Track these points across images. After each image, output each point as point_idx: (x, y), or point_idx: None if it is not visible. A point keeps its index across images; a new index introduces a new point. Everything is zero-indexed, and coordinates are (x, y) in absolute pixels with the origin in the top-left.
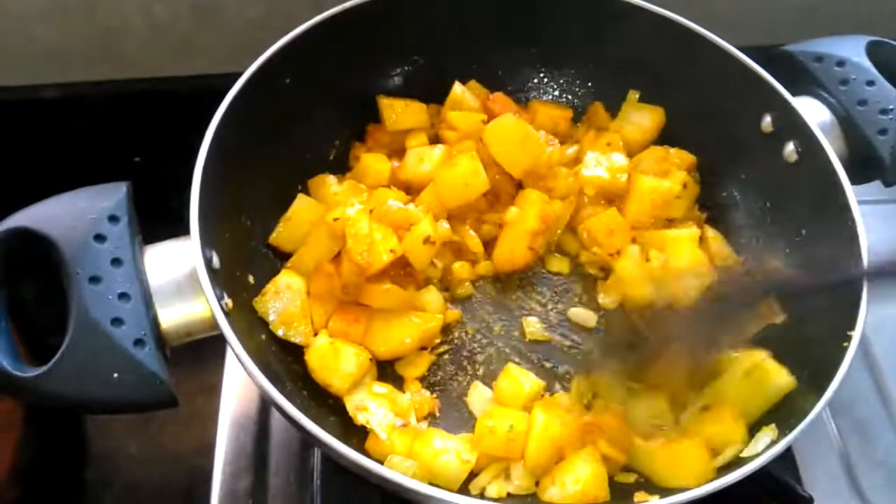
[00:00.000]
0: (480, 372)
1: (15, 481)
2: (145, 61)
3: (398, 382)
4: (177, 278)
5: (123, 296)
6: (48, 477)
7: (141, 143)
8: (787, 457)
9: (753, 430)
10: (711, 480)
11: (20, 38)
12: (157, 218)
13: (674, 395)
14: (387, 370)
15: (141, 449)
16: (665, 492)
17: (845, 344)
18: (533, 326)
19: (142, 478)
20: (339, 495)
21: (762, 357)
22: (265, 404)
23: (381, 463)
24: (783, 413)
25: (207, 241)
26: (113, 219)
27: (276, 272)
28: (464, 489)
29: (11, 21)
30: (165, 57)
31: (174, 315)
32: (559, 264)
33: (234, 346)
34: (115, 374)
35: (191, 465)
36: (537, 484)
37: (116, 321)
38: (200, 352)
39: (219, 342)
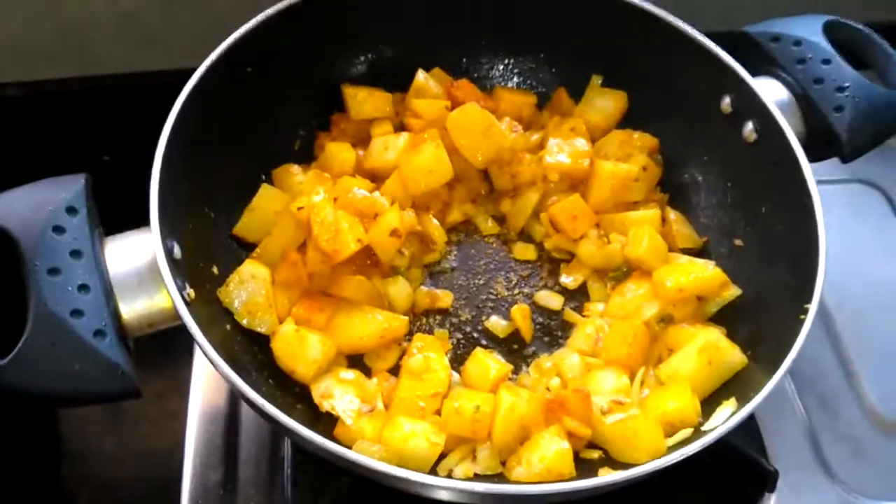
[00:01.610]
0: (449, 357)
1: None
2: (111, 56)
3: (367, 370)
4: (138, 269)
5: (83, 287)
6: (22, 476)
7: (109, 140)
8: (752, 431)
9: (713, 404)
10: (662, 455)
11: None
12: (126, 213)
13: (632, 371)
14: (356, 359)
15: (115, 446)
16: (624, 467)
17: (802, 317)
18: (496, 322)
19: (117, 475)
20: (309, 484)
21: (715, 335)
22: (234, 396)
23: (350, 447)
24: (743, 388)
25: (169, 232)
26: (71, 210)
27: (241, 263)
28: (432, 471)
29: None
30: (132, 51)
31: (135, 306)
32: (525, 251)
33: (196, 335)
34: (76, 366)
35: (165, 461)
36: (504, 464)
37: (76, 312)
38: (172, 349)
39: (190, 339)
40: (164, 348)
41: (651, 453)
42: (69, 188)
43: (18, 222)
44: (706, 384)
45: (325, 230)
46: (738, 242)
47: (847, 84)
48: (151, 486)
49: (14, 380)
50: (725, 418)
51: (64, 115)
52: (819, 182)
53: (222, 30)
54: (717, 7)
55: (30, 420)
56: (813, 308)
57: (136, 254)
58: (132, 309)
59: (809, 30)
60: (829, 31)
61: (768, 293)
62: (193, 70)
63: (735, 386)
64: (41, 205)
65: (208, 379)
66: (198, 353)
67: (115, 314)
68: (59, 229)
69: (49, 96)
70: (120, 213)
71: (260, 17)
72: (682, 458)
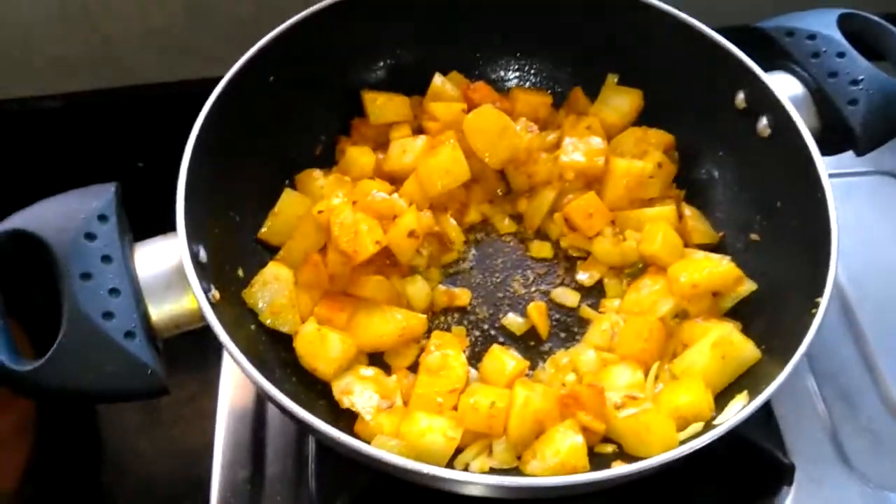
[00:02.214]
0: (466, 354)
1: (29, 483)
2: (143, 67)
3: (388, 367)
4: (165, 273)
5: (114, 291)
6: (64, 478)
7: (144, 147)
8: (771, 426)
9: (727, 398)
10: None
11: (20, 48)
12: (161, 216)
13: (647, 366)
14: (377, 357)
15: (151, 446)
16: (637, 461)
17: (813, 311)
18: (513, 319)
19: (153, 473)
20: (332, 480)
21: (729, 329)
22: (261, 396)
23: (369, 442)
24: (757, 382)
25: (195, 237)
26: (102, 218)
27: (265, 265)
28: (449, 465)
29: (10, 30)
30: (162, 61)
31: (163, 308)
32: (542, 249)
33: (220, 335)
34: (108, 366)
35: (198, 459)
36: (519, 458)
37: (107, 315)
38: (205, 352)
39: (219, 341)
40: (196, 351)
41: (663, 447)
42: (100, 197)
43: (52, 230)
44: (720, 378)
45: (344, 232)
46: (753, 237)
47: (861, 77)
48: (186, 484)
49: (50, 380)
50: (737, 411)
51: (100, 125)
52: (840, 174)
53: (248, 39)
54: (730, 3)
55: (71, 422)
56: (824, 302)
57: (163, 258)
58: (160, 311)
59: (823, 23)
60: (844, 23)
61: (784, 288)
62: (221, 78)
63: (749, 380)
64: (73, 213)
65: (236, 379)
66: (225, 354)
67: (145, 316)
68: (90, 236)
69: (86, 107)
70: (155, 217)
71: (280, 28)
72: (691, 450)
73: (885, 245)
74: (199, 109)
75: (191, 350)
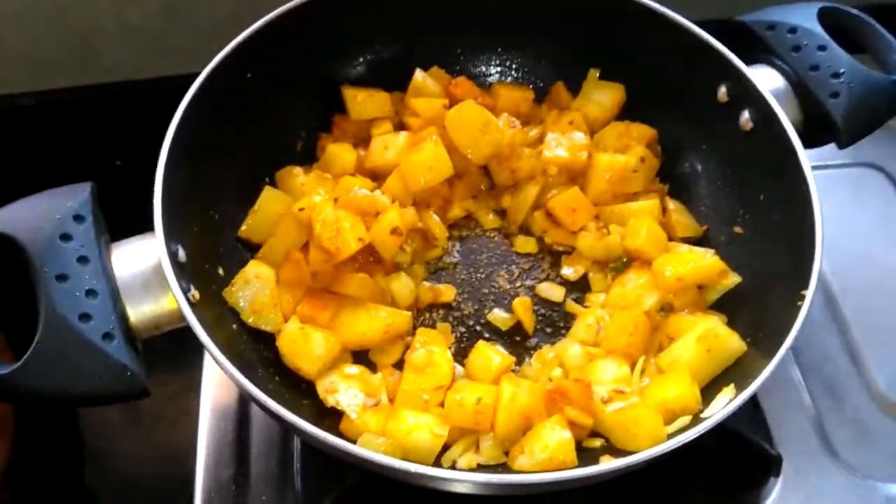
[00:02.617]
0: (452, 350)
1: (7, 485)
2: (119, 64)
3: (373, 365)
4: (144, 273)
5: (91, 292)
6: (44, 479)
7: (120, 146)
8: (757, 418)
9: (713, 391)
10: (662, 442)
11: None
12: (138, 218)
13: (633, 360)
14: (362, 355)
15: (134, 445)
16: (625, 455)
17: (799, 303)
18: (498, 315)
19: (136, 473)
20: (318, 479)
21: (714, 323)
22: (244, 395)
23: (355, 441)
24: (743, 374)
25: (173, 236)
26: (78, 218)
27: (246, 263)
28: (436, 463)
29: None
30: (139, 59)
31: (142, 309)
32: (526, 244)
33: (200, 335)
34: (86, 368)
35: (182, 458)
36: (507, 454)
37: (84, 316)
38: (187, 350)
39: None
40: (178, 348)
41: (651, 441)
42: (76, 197)
43: (27, 231)
44: (706, 372)
45: (326, 230)
46: (737, 230)
47: (842, 70)
48: (170, 483)
49: (27, 382)
50: (724, 405)
51: (76, 122)
52: (823, 167)
53: (227, 37)
54: None
55: (51, 421)
56: (809, 294)
57: (141, 258)
58: (139, 312)
59: (804, 17)
60: (824, 17)
61: (768, 280)
62: (199, 75)
63: (736, 373)
64: (49, 214)
65: (219, 377)
66: (208, 354)
67: (123, 317)
68: (66, 237)
69: (61, 104)
70: (133, 216)
71: (257, 24)
72: (678, 444)
73: (868, 236)
74: (177, 106)
75: (173, 347)
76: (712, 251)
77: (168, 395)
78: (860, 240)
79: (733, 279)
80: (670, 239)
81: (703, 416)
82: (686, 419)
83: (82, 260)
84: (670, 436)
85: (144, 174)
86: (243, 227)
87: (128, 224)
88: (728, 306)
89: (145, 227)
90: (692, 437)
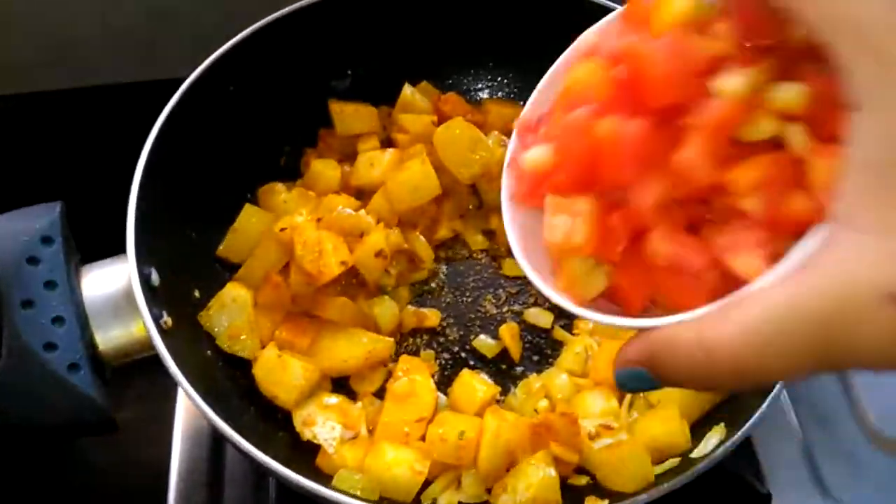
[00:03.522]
0: (436, 378)
1: None
2: (102, 69)
3: (353, 394)
4: (114, 298)
5: (58, 320)
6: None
7: (100, 151)
8: (746, 450)
9: (702, 427)
10: (650, 485)
11: None
12: (115, 231)
13: (621, 392)
14: (342, 381)
15: (106, 457)
16: (613, 496)
17: None
18: (484, 341)
19: (108, 486)
20: None
21: None
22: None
23: (332, 476)
24: (734, 409)
25: (146, 258)
26: (46, 240)
27: (224, 285)
28: (415, 500)
29: None
30: (123, 63)
31: (112, 336)
32: (514, 267)
33: (171, 368)
34: (50, 400)
35: (155, 472)
36: (489, 491)
37: (50, 346)
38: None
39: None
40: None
41: (639, 481)
42: (44, 217)
43: None
44: (696, 406)
45: (308, 251)
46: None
47: None
48: (143, 498)
49: None
50: (715, 445)
51: (56, 125)
52: None
53: (212, 45)
54: None
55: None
56: None
57: (112, 282)
58: (108, 339)
59: None
60: None
61: None
62: (182, 80)
63: (727, 407)
64: (15, 235)
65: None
66: None
67: (91, 346)
68: (33, 260)
69: (39, 107)
70: (110, 230)
71: (240, 35)
72: (670, 490)
73: None
74: (158, 112)
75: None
76: None
77: (141, 407)
78: None
79: None
80: None
81: (693, 455)
82: (675, 461)
83: (50, 285)
84: (658, 476)
85: (121, 186)
86: (221, 247)
87: (104, 240)
88: None
89: (120, 243)
90: (683, 483)
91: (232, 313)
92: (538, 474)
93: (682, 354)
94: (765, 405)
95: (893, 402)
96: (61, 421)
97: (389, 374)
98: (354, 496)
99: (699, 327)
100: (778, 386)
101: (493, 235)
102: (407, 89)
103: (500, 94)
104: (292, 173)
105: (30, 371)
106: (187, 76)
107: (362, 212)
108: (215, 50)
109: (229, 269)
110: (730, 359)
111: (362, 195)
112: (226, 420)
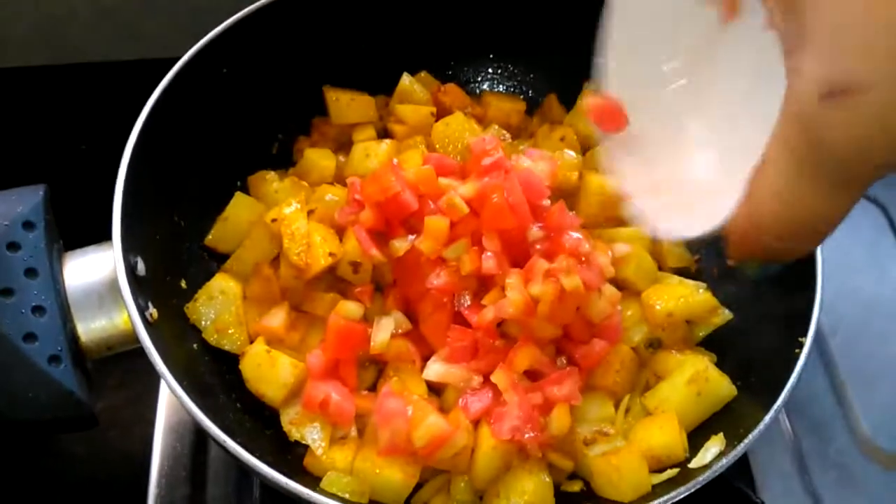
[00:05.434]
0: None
1: None
2: (90, 47)
3: None
4: (98, 287)
5: (38, 309)
6: None
7: (88, 130)
8: (740, 462)
9: (700, 436)
10: (646, 495)
11: None
12: (101, 214)
13: (618, 397)
14: None
15: (87, 449)
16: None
17: (797, 351)
18: None
19: (89, 478)
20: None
21: (705, 365)
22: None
23: (321, 478)
24: (732, 419)
25: (133, 246)
26: (28, 225)
27: (212, 275)
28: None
29: None
30: (111, 42)
31: (94, 327)
32: None
33: (156, 363)
34: (29, 394)
35: (137, 465)
36: (481, 498)
37: (30, 337)
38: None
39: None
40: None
41: (635, 490)
42: (26, 201)
43: None
44: (694, 415)
45: (296, 244)
46: (730, 262)
47: None
48: (123, 490)
49: None
50: (714, 456)
51: (41, 103)
52: None
53: (205, 25)
54: None
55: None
56: (808, 342)
57: (96, 270)
58: (90, 330)
59: None
60: None
61: (760, 320)
62: (176, 59)
63: (724, 417)
64: None
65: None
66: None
67: (72, 337)
68: (14, 246)
69: (24, 84)
70: (96, 215)
71: (236, 16)
72: (668, 502)
73: (858, 272)
74: (148, 93)
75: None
76: (704, 285)
77: (123, 397)
78: (849, 276)
79: (724, 316)
80: (660, 268)
81: (691, 465)
82: (674, 471)
83: (30, 273)
84: (655, 486)
85: (107, 169)
86: (210, 236)
87: (88, 226)
88: (717, 343)
89: (106, 228)
90: (681, 496)
91: (219, 306)
92: (532, 481)
93: (746, 236)
94: (768, 417)
95: (886, 414)
96: (39, 417)
97: (380, 372)
98: (343, 500)
99: (738, 213)
100: (780, 400)
101: None
102: (405, 79)
103: (500, 87)
104: (284, 162)
105: (8, 363)
106: (178, 56)
107: None
108: (207, 30)
109: (217, 259)
110: (769, 213)
111: None
112: (211, 418)
